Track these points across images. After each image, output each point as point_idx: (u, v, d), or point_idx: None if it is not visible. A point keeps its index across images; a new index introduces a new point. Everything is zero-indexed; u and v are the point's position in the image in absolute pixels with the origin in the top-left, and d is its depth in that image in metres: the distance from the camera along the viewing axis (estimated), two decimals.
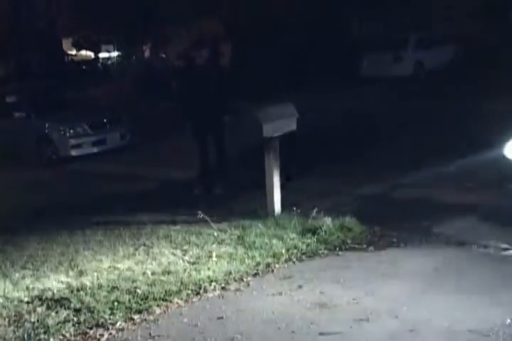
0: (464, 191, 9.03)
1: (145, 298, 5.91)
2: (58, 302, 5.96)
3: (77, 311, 5.74)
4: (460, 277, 6.00)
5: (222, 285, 6.19)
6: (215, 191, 10.36)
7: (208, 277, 6.30)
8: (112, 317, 5.60)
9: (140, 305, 5.80)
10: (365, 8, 30.85)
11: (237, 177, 10.72)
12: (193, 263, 6.74)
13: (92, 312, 5.69)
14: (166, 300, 5.89)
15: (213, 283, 6.19)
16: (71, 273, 6.74)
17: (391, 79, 24.10)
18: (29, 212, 9.96)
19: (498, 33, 26.26)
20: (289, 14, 29.04)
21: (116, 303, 5.82)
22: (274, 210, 8.27)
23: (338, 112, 17.68)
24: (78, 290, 6.20)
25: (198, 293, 6.04)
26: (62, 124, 14.80)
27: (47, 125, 15.00)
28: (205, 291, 6.07)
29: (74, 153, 14.71)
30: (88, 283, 6.34)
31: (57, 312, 5.74)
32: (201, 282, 6.21)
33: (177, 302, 5.89)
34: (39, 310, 5.83)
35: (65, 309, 5.80)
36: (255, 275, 6.41)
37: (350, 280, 6.14)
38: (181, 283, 6.21)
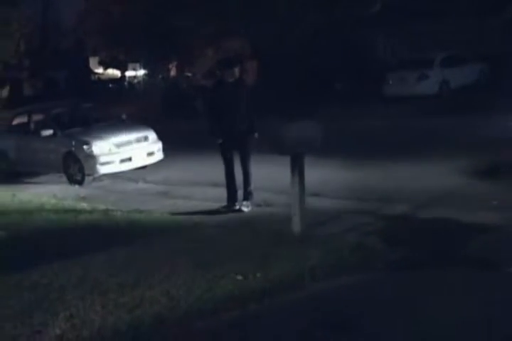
0: (490, 210, 8.97)
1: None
2: None
3: None
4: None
5: (244, 303, 6.18)
6: (241, 209, 10.39)
7: (230, 295, 6.30)
8: None
9: None
10: (391, 27, 30.93)
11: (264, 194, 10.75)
12: (214, 282, 6.74)
13: None
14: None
15: (234, 303, 6.18)
16: None
17: (416, 98, 24.09)
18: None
19: None
20: (314, 32, 29.17)
21: None
22: (298, 229, 8.27)
23: (359, 130, 17.72)
24: None
25: (215, 312, 6.04)
26: (88, 142, 14.87)
27: (73, 143, 15.09)
28: (225, 310, 6.07)
29: (100, 170, 14.78)
30: None
31: None
32: (222, 299, 6.21)
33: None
34: None
35: None
36: (278, 294, 6.38)
37: (370, 300, 6.11)
38: (201, 300, 6.23)
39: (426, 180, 11.24)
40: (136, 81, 55.73)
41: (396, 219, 9.07)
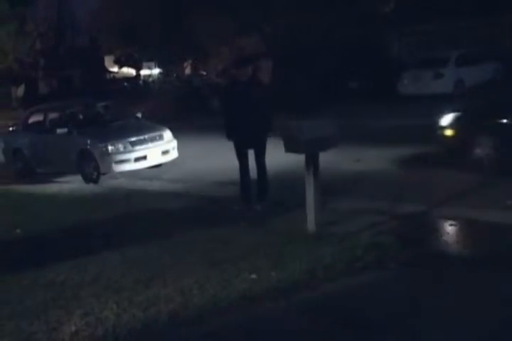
0: (504, 209, 8.92)
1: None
2: None
3: None
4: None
5: (258, 302, 6.19)
6: (255, 208, 10.36)
7: (245, 294, 6.31)
8: None
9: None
10: (405, 25, 30.88)
11: (278, 193, 10.73)
12: (229, 281, 6.76)
13: None
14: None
15: (248, 302, 6.19)
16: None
17: (431, 97, 23.99)
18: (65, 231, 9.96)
19: None
20: (329, 31, 29.15)
21: None
22: (312, 228, 8.27)
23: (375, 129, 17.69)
24: None
25: (230, 311, 6.05)
26: (103, 140, 14.92)
27: (88, 141, 15.13)
28: (239, 309, 6.08)
29: (115, 169, 14.82)
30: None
31: None
32: (237, 298, 6.22)
33: None
34: None
35: None
36: (292, 292, 6.39)
37: (384, 299, 6.11)
38: (215, 299, 6.25)
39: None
40: (150, 79, 55.84)
41: (409, 217, 9.04)
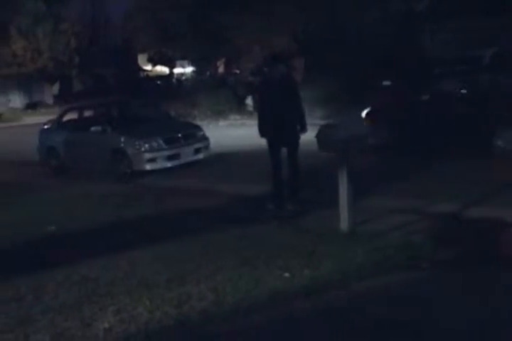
0: None
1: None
2: None
3: None
4: None
5: (291, 300, 6.19)
6: (287, 207, 10.34)
7: (276, 293, 6.32)
8: None
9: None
10: (438, 23, 30.66)
11: (309, 192, 10.70)
12: (261, 279, 6.77)
13: None
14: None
15: (281, 300, 6.20)
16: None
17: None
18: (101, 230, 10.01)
19: None
20: (362, 29, 29.05)
21: None
22: (344, 227, 8.26)
23: None
24: None
25: (260, 309, 6.06)
26: (137, 139, 15.01)
27: (122, 139, 15.22)
28: (271, 307, 6.09)
29: (148, 167, 14.90)
30: None
31: None
32: (268, 297, 6.24)
33: None
34: None
35: None
36: (324, 291, 6.39)
37: (415, 299, 6.09)
38: (248, 297, 6.26)
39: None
40: (184, 78, 55.99)
41: (441, 217, 8.96)
